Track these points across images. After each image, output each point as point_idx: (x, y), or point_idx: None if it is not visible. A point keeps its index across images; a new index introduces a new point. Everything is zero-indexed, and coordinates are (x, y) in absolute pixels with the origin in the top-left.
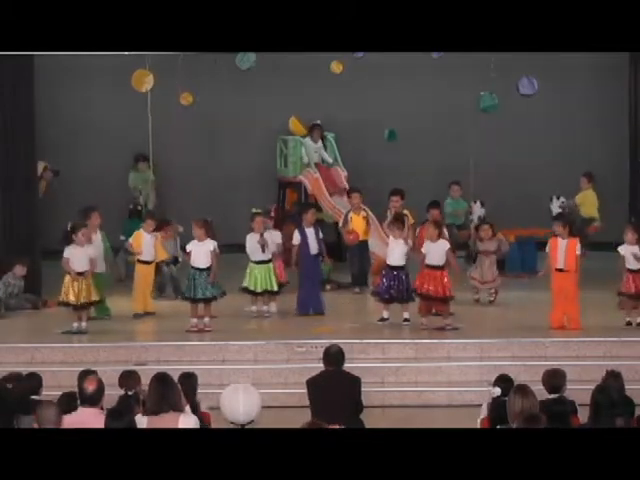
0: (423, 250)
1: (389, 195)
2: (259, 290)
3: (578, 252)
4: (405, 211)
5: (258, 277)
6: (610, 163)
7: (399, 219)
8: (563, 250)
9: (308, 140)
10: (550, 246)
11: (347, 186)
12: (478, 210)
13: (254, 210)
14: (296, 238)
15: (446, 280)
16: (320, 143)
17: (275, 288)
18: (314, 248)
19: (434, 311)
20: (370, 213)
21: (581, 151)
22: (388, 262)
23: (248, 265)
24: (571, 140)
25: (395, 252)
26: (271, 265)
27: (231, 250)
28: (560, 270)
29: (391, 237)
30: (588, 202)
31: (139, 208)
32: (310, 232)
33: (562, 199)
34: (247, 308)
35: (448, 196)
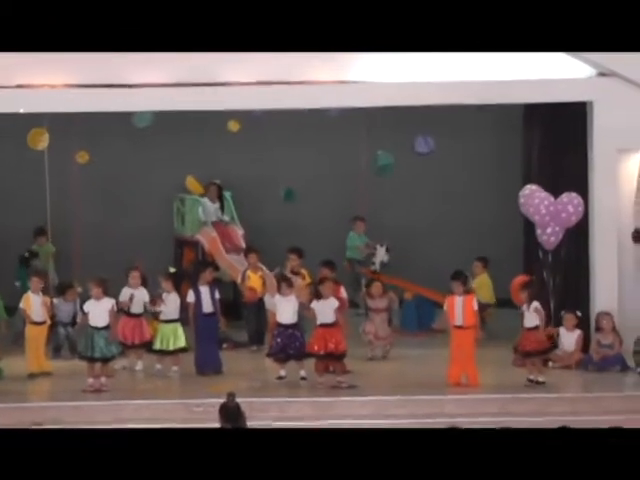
0: (313, 306)
1: (287, 252)
2: (171, 348)
3: (475, 307)
4: (302, 270)
5: (170, 336)
6: (505, 218)
7: (286, 278)
8: (460, 306)
9: (206, 200)
10: (447, 304)
11: (244, 245)
12: (382, 255)
13: (171, 270)
14: (190, 296)
15: (339, 337)
16: (217, 203)
17: (184, 344)
18: (208, 306)
19: (331, 369)
20: (267, 271)
21: (478, 209)
22: (279, 320)
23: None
24: (467, 198)
25: (285, 310)
26: (178, 324)
27: None
28: (459, 327)
29: (277, 296)
30: (484, 287)
31: (26, 255)
32: (204, 290)
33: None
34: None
35: (351, 231)
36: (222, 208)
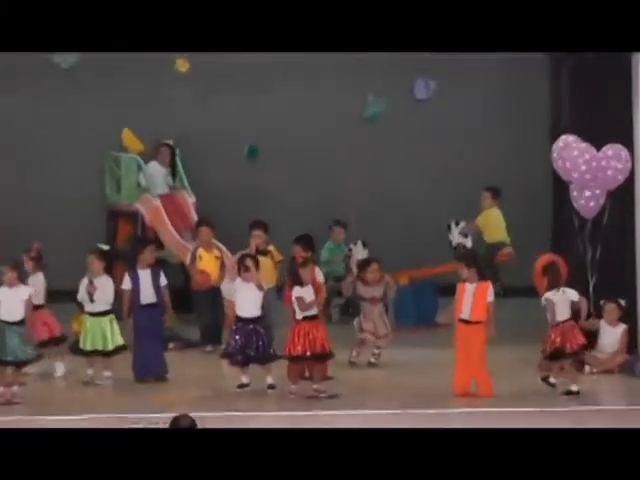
0: (296, 294)
1: (249, 228)
2: (110, 348)
3: (490, 299)
4: (270, 247)
5: (96, 332)
6: (525, 183)
7: (246, 257)
8: (470, 296)
9: (155, 164)
10: (457, 292)
11: (195, 216)
12: (360, 252)
13: (103, 247)
14: (126, 283)
15: (324, 333)
16: (169, 168)
17: (122, 342)
18: (148, 296)
19: (307, 374)
20: (225, 250)
21: (487, 169)
22: (238, 313)
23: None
24: (475, 156)
25: (246, 299)
26: (112, 317)
27: (56, 298)
28: (464, 321)
29: (238, 280)
30: (492, 223)
31: None
32: (145, 275)
33: (462, 224)
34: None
35: (329, 240)
36: (174, 175)
